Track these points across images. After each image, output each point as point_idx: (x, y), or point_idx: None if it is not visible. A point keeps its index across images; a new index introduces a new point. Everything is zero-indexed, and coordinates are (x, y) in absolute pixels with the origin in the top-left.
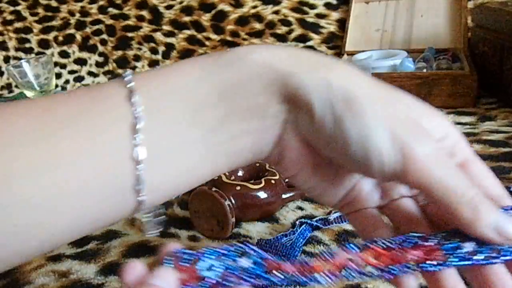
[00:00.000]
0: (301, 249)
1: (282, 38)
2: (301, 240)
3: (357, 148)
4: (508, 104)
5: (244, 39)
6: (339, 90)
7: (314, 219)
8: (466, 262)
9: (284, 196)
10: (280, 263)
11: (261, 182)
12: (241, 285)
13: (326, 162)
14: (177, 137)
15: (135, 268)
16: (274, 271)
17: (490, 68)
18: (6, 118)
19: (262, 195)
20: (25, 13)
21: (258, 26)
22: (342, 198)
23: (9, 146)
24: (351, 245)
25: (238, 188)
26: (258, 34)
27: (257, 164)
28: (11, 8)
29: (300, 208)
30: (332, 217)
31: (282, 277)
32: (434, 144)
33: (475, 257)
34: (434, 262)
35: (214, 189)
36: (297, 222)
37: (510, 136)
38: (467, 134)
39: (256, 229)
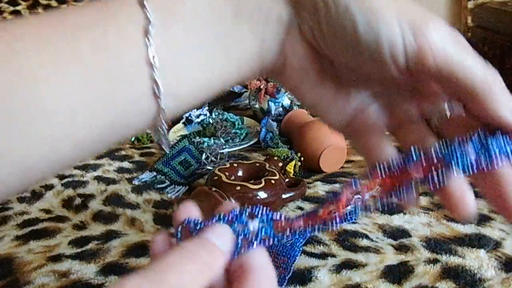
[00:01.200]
0: (301, 249)
1: None
2: (301, 240)
3: (366, 36)
4: None
5: None
6: None
7: None
8: (468, 170)
9: (284, 196)
10: (288, 222)
11: (261, 182)
12: (252, 247)
13: (332, 71)
14: (190, 40)
15: (189, 209)
16: (282, 230)
17: None
18: (22, 27)
19: (262, 195)
20: (25, 13)
21: None
22: (348, 119)
23: (27, 53)
24: (354, 181)
25: (238, 188)
26: None
27: (257, 164)
28: (11, 8)
29: (300, 208)
30: None
31: (290, 231)
32: (447, 27)
33: (477, 164)
34: (437, 175)
35: (214, 189)
36: None
37: None
38: None
39: None
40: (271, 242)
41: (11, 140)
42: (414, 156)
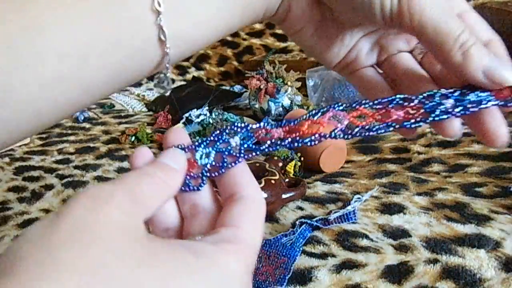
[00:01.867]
0: (301, 249)
1: (282, 38)
2: (301, 240)
3: None
4: None
5: (244, 39)
6: None
7: (314, 219)
8: (445, 116)
9: (284, 196)
10: (268, 128)
11: (261, 182)
12: (236, 162)
13: (331, 18)
14: None
15: (144, 153)
16: (264, 141)
17: None
18: None
19: (262, 195)
20: None
21: (258, 26)
22: (342, 57)
23: (36, 2)
24: (338, 105)
25: None
26: (258, 34)
27: (257, 164)
28: None
29: (300, 208)
30: (332, 217)
31: (270, 143)
32: None
33: (454, 110)
34: (416, 119)
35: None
36: (297, 222)
37: (510, 136)
38: (467, 134)
39: None
40: (253, 154)
41: (24, 80)
42: (398, 99)
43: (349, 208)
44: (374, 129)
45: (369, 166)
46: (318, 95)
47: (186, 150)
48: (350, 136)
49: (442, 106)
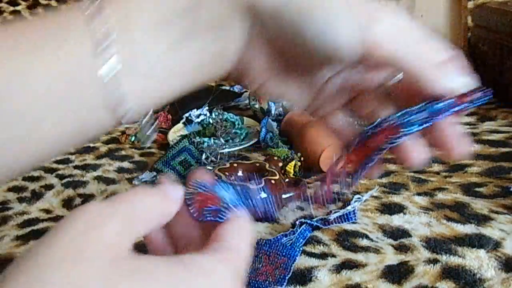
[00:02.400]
0: (301, 249)
1: None
2: (301, 240)
3: (325, 39)
4: (508, 104)
5: None
6: None
7: (314, 219)
8: (417, 129)
9: (284, 196)
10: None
11: (261, 182)
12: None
13: (294, 64)
14: (144, 51)
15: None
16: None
17: (490, 68)
18: None
19: (262, 195)
20: (25, 13)
21: None
22: (313, 100)
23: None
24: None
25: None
26: None
27: (257, 164)
28: (11, 8)
29: (300, 208)
30: (332, 217)
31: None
32: (393, 20)
33: (424, 125)
34: (392, 139)
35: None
36: (297, 222)
37: (510, 136)
38: (467, 134)
39: (256, 229)
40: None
41: None
42: (367, 131)
43: (349, 208)
44: (363, 167)
45: None
46: None
47: (204, 188)
48: (353, 185)
49: (419, 118)
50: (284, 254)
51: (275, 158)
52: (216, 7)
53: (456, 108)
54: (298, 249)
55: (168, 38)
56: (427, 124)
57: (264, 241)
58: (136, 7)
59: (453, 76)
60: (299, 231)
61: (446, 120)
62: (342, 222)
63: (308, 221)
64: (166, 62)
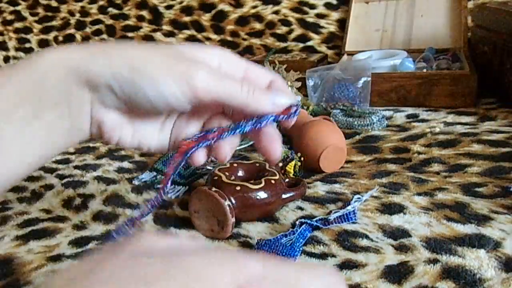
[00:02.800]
0: (301, 249)
1: (282, 38)
2: (301, 240)
3: (156, 97)
4: (508, 104)
5: (244, 39)
6: (122, 66)
7: (314, 219)
8: (237, 130)
9: (284, 196)
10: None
11: (261, 182)
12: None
13: (141, 115)
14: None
15: None
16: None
17: (490, 68)
18: None
19: (262, 195)
20: (25, 13)
21: (258, 26)
22: (169, 140)
23: None
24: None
25: (238, 188)
26: (258, 34)
27: (257, 164)
28: (11, 8)
29: (300, 208)
30: (332, 217)
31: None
32: (208, 69)
33: (244, 129)
34: (223, 135)
35: (214, 189)
36: (297, 222)
37: (510, 136)
38: (467, 134)
39: (256, 229)
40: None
41: None
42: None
43: (349, 208)
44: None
45: (369, 166)
46: (318, 95)
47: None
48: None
49: (242, 126)
50: (284, 254)
51: None
52: (58, 87)
53: (275, 118)
54: (298, 249)
55: (14, 123)
56: (251, 127)
57: (264, 241)
58: None
59: (273, 97)
60: (299, 231)
61: (268, 126)
62: (342, 222)
63: (308, 221)
64: (18, 141)
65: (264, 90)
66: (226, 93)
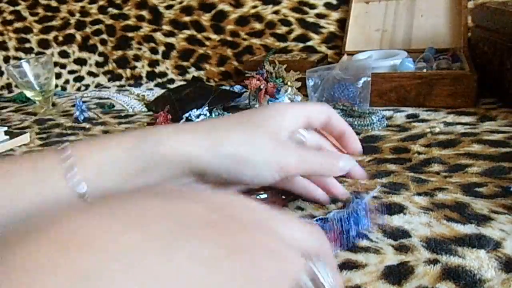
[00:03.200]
0: None
1: (282, 38)
2: None
3: (254, 177)
4: (508, 104)
5: (244, 39)
6: (230, 156)
7: (314, 219)
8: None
9: (284, 196)
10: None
11: None
12: None
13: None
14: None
15: None
16: None
17: (490, 68)
18: None
19: (263, 195)
20: (25, 13)
21: (258, 26)
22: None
23: None
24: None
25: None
26: (258, 34)
27: None
28: (11, 8)
29: (300, 208)
30: (330, 215)
31: None
32: (295, 151)
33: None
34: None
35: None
36: None
37: (510, 136)
38: (467, 134)
39: None
40: None
41: None
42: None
43: (353, 205)
44: None
45: (369, 166)
46: (318, 95)
47: None
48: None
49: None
50: None
51: None
52: (167, 171)
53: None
54: None
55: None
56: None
57: None
58: (98, 169)
59: (343, 162)
60: None
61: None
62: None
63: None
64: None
65: (335, 158)
66: (310, 169)
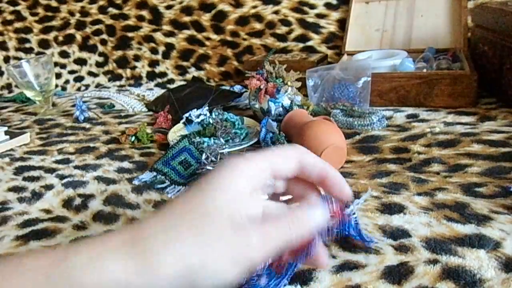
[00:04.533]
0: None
1: (282, 38)
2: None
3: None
4: (508, 104)
5: (244, 39)
6: (173, 277)
7: None
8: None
9: (283, 198)
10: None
11: None
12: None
13: None
14: None
15: None
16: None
17: (490, 68)
18: None
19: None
20: (25, 13)
21: (258, 26)
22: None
23: None
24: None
25: None
26: (258, 34)
27: None
28: (11, 8)
29: None
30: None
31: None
32: (256, 238)
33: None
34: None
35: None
36: None
37: (510, 136)
38: (467, 134)
39: None
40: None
41: None
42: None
43: (348, 210)
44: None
45: (369, 166)
46: (318, 95)
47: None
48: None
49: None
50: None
51: None
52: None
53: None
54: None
55: None
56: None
57: None
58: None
59: (312, 220)
60: None
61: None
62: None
63: None
64: None
65: (303, 215)
66: (278, 245)
